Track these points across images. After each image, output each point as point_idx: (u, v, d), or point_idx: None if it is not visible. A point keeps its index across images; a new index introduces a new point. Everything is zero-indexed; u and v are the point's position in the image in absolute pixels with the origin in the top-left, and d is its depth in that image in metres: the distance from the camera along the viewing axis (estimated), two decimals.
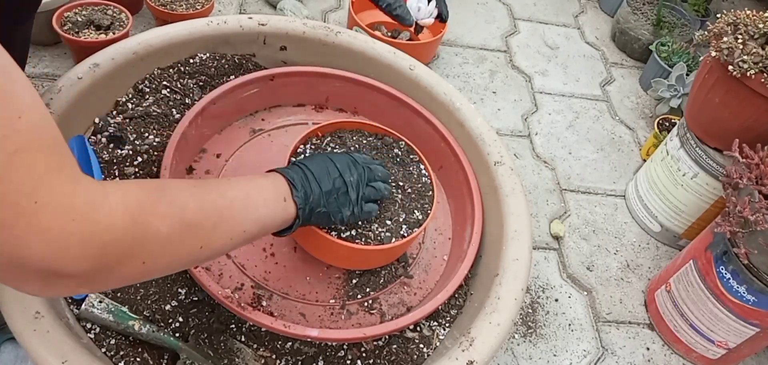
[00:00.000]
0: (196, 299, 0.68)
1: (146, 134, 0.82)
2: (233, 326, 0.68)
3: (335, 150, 0.76)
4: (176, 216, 0.44)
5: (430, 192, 0.78)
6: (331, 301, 0.74)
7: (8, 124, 0.32)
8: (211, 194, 0.49)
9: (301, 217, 0.59)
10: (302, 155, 0.74)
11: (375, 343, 0.71)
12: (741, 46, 1.13)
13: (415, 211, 0.75)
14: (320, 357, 0.68)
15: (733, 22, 1.18)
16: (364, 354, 0.70)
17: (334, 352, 0.69)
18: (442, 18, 0.72)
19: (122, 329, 0.63)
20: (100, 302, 0.63)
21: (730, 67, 1.13)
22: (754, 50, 1.12)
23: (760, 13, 1.18)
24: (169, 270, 0.46)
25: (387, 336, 0.71)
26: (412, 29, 0.74)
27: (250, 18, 0.96)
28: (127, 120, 0.83)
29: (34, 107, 0.34)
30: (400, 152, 0.81)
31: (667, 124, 1.69)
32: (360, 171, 0.66)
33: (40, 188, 0.34)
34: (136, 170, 0.77)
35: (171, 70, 0.91)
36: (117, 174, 0.76)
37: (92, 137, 0.80)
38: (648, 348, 1.27)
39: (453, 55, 1.90)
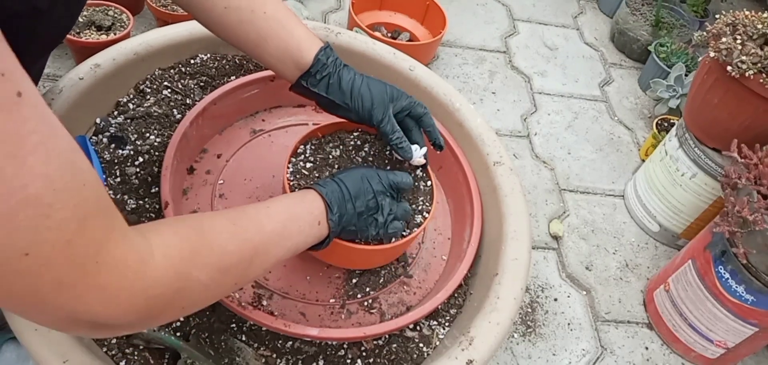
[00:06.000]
0: None
1: (147, 135, 0.82)
2: (234, 325, 0.68)
3: (334, 152, 0.76)
4: (215, 265, 0.46)
5: (430, 192, 0.78)
6: (331, 300, 0.74)
7: (78, 193, 0.34)
8: (249, 232, 0.51)
9: (331, 237, 0.62)
10: (302, 156, 0.75)
11: (375, 342, 0.71)
12: (739, 47, 1.13)
13: (415, 211, 0.75)
14: (320, 357, 0.69)
15: (731, 23, 1.19)
16: (364, 354, 0.70)
17: (334, 351, 0.69)
18: (436, 149, 0.78)
19: None
20: None
21: (729, 68, 1.14)
22: (753, 51, 1.12)
23: (759, 13, 1.19)
24: (203, 307, 0.49)
25: (387, 336, 0.71)
26: (405, 165, 0.79)
27: None
28: (129, 120, 0.83)
29: (92, 174, 0.37)
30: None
31: (666, 124, 1.69)
32: (394, 193, 0.68)
33: (102, 250, 0.36)
34: (137, 169, 0.78)
35: (172, 70, 0.91)
36: (118, 174, 0.77)
37: (93, 137, 0.81)
38: (647, 348, 1.28)
39: (452, 56, 1.90)
